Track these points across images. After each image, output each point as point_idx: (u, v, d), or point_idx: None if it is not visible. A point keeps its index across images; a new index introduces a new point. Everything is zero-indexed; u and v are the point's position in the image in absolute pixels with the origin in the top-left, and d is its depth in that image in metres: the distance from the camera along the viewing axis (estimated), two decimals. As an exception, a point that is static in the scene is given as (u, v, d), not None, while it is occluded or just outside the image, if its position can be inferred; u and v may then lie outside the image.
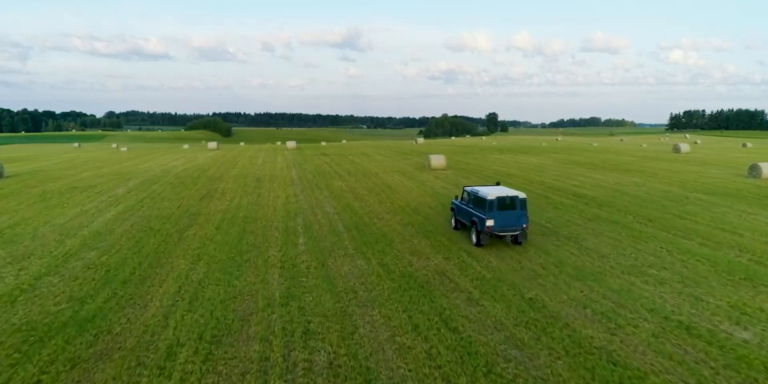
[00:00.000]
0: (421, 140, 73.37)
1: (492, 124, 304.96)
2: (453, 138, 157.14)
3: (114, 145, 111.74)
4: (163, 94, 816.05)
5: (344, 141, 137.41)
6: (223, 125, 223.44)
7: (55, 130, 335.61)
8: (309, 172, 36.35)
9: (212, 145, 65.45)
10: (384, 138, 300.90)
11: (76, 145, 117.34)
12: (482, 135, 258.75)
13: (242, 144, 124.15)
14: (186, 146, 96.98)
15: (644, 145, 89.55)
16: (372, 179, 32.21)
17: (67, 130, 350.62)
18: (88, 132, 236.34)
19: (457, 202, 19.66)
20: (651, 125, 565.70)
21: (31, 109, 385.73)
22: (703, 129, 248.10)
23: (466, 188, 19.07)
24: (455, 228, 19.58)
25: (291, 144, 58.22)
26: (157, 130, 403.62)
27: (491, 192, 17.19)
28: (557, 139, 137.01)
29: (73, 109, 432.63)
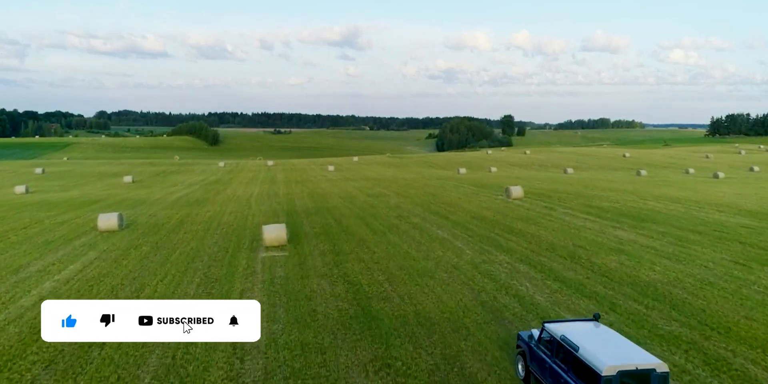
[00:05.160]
0: (515, 193, 36.96)
1: (508, 127, 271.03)
2: (488, 151, 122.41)
3: (39, 171, 77.49)
4: (162, 92, 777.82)
5: (356, 159, 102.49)
6: (209, 131, 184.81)
7: (35, 133, 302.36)
8: None
9: (105, 220, 26.43)
10: (395, 143, 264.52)
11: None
12: (504, 144, 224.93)
13: (221, 165, 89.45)
14: (128, 180, 62.55)
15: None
16: None
17: (49, 133, 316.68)
18: (55, 139, 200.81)
19: (531, 344, 10.87)
20: (654, 126, 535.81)
21: (31, 108, 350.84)
22: (747, 135, 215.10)
23: (552, 326, 10.30)
24: (525, 380, 10.91)
25: (273, 235, 23.26)
26: (148, 131, 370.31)
27: (603, 356, 8.64)
28: (625, 156, 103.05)
29: (59, 109, 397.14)
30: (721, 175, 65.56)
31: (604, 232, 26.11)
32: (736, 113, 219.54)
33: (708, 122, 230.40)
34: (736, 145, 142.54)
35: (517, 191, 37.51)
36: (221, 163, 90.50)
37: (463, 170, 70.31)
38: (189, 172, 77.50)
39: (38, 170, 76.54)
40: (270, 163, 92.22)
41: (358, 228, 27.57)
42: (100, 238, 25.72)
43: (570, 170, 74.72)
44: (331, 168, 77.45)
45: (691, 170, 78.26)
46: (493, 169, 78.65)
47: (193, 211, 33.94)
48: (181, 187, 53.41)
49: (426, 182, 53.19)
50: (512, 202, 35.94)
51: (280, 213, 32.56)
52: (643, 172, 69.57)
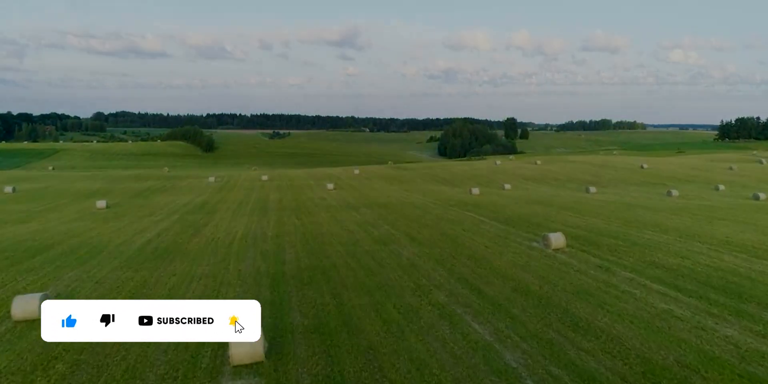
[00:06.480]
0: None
1: (511, 130, 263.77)
2: (496, 160, 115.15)
3: (9, 190, 70.18)
4: (161, 92, 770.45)
5: (357, 171, 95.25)
6: (204, 137, 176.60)
7: (29, 136, 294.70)
8: None
9: (23, 306, 18.22)
10: (396, 146, 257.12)
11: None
12: (508, 149, 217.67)
13: (210, 180, 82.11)
14: (102, 205, 55.16)
15: None
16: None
17: (44, 135, 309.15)
18: (44, 145, 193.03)
19: None
20: (654, 126, 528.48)
21: (30, 109, 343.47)
22: (758, 139, 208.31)
23: None
24: None
25: (244, 348, 16.71)
26: (145, 133, 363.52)
27: None
28: (643, 167, 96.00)
29: (55, 111, 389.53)
30: (762, 195, 58.62)
31: (704, 327, 18.77)
32: (746, 116, 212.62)
33: (708, 122, 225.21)
34: (754, 152, 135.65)
35: (558, 240, 30.22)
36: (211, 178, 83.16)
37: (476, 190, 63.14)
38: (174, 191, 70.22)
39: (8, 189, 69.16)
40: (264, 177, 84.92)
41: (365, 316, 20.21)
42: (6, 340, 18.37)
43: (593, 189, 67.67)
44: (330, 186, 70.26)
45: (721, 187, 71.54)
46: (507, 186, 71.83)
47: (153, 273, 26.57)
48: (157, 218, 46.08)
49: (439, 213, 45.86)
50: (555, 257, 28.61)
51: (262, 279, 25.22)
52: (674, 192, 62.65)
